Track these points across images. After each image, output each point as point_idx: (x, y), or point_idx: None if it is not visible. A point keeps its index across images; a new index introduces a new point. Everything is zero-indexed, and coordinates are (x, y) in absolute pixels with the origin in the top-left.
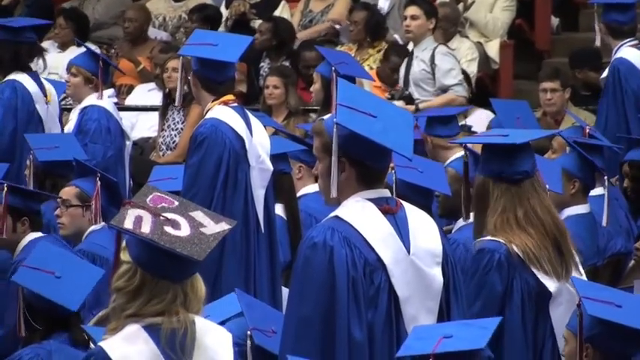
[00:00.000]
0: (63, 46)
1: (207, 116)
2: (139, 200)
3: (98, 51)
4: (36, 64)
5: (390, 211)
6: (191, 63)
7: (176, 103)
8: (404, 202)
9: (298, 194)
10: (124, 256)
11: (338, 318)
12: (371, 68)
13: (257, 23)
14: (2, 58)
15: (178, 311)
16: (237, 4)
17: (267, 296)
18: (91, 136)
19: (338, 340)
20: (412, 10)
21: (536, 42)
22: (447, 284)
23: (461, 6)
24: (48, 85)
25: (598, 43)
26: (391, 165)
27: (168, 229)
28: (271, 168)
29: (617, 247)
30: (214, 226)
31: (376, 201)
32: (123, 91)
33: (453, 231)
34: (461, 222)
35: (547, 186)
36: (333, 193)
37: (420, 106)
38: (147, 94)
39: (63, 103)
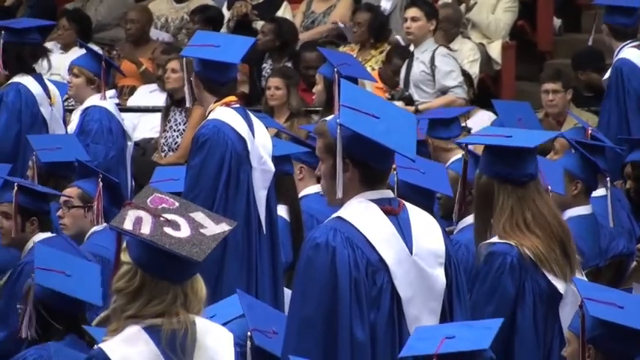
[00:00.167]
0: (65, 47)
1: (210, 117)
2: (139, 201)
3: (101, 52)
4: (40, 66)
5: (392, 211)
6: (193, 64)
7: (187, 104)
8: (406, 203)
9: (300, 195)
10: (125, 257)
11: (340, 318)
12: (373, 69)
13: (259, 24)
14: (8, 59)
15: (179, 312)
16: (239, 5)
17: (269, 297)
18: (92, 137)
19: (340, 341)
20: (413, 11)
21: (539, 43)
22: (450, 285)
23: (463, 7)
24: (52, 87)
25: (590, 42)
26: (393, 166)
27: (168, 230)
28: (273, 169)
29: (619, 248)
30: (214, 227)
31: (379, 202)
32: (125, 92)
33: (455, 232)
34: (462, 223)
35: (549, 187)
36: (339, 194)
37: (420, 107)
38: (149, 95)
39: (65, 104)
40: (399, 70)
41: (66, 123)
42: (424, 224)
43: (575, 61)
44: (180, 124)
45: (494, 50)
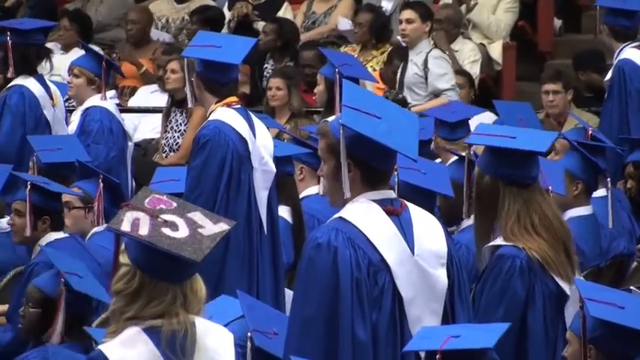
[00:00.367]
0: (66, 48)
1: (211, 118)
2: (136, 202)
3: (102, 52)
4: (42, 67)
5: (394, 212)
6: (194, 65)
7: (189, 105)
8: (408, 204)
9: (300, 195)
10: (123, 258)
11: (342, 318)
12: (374, 70)
13: (260, 25)
14: (14, 60)
15: (178, 313)
16: (239, 5)
17: (270, 298)
18: (93, 137)
19: (342, 341)
20: (407, 13)
21: (539, 43)
22: (452, 285)
23: (463, 7)
24: (53, 88)
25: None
26: (395, 166)
27: (166, 230)
28: (274, 170)
29: (619, 248)
30: (213, 227)
31: (381, 202)
32: (126, 93)
33: (455, 232)
34: (464, 223)
35: (550, 187)
36: (347, 194)
37: (412, 110)
38: (150, 95)
39: (66, 104)
40: None
41: (67, 123)
42: (426, 225)
43: (575, 62)
44: (181, 124)
45: (495, 51)
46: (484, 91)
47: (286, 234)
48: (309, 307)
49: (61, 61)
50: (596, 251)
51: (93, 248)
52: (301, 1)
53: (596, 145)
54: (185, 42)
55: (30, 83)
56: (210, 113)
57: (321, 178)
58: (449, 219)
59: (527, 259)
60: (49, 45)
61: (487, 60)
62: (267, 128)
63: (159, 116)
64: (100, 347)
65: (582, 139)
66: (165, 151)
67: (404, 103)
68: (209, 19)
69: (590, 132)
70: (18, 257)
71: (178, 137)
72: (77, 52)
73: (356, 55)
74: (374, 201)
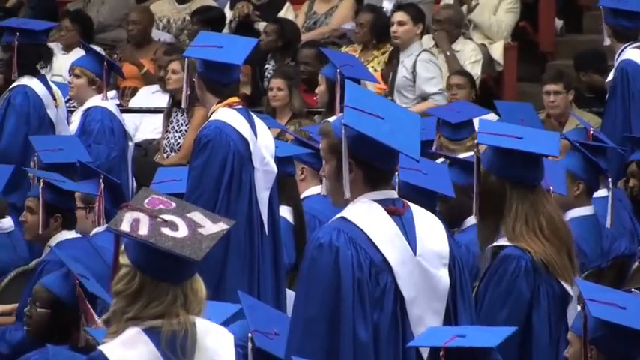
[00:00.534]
0: (68, 49)
1: (212, 118)
2: (136, 203)
3: (103, 53)
4: (42, 67)
5: (396, 212)
6: (196, 65)
7: (182, 106)
8: (411, 204)
9: (302, 196)
10: (123, 259)
11: (343, 318)
12: (375, 70)
13: (261, 25)
14: (19, 61)
15: (179, 313)
16: (240, 6)
17: (271, 298)
18: (94, 137)
19: (343, 341)
20: (399, 15)
21: (540, 44)
22: (454, 285)
23: (465, 8)
24: (55, 88)
25: (607, 42)
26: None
27: (165, 230)
28: (275, 170)
29: (621, 248)
30: (212, 226)
31: (383, 202)
32: (127, 93)
33: (456, 232)
34: (465, 223)
35: (551, 188)
36: (347, 195)
37: None
38: (151, 96)
39: (67, 105)
40: None
41: (68, 124)
42: (428, 225)
43: (577, 62)
44: (182, 125)
45: (496, 51)
46: (485, 91)
47: (287, 234)
48: (311, 307)
49: (63, 62)
50: (597, 252)
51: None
52: (302, 1)
53: (597, 146)
54: (186, 42)
55: (33, 83)
56: (211, 113)
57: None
58: (450, 221)
59: (532, 260)
60: (50, 45)
61: (488, 60)
62: (269, 128)
63: (160, 116)
64: (101, 347)
65: (583, 139)
66: (166, 151)
67: None
68: (210, 19)
69: (591, 132)
70: (19, 257)
71: (179, 137)
72: (78, 53)
73: (357, 56)
74: (376, 201)
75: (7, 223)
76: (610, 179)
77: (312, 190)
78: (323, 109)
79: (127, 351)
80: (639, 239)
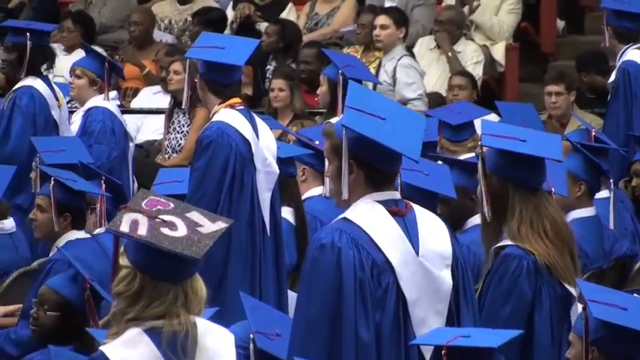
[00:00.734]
0: (69, 49)
1: (214, 119)
2: (134, 204)
3: (104, 54)
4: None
5: (399, 213)
6: (197, 66)
7: (183, 107)
8: (414, 205)
9: (303, 197)
10: (123, 260)
11: (345, 319)
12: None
13: (262, 26)
14: (34, 61)
15: (180, 313)
16: (242, 6)
17: (273, 299)
18: (95, 137)
19: (345, 342)
20: (382, 19)
21: (542, 45)
22: (457, 286)
23: (466, 9)
24: (57, 89)
25: (607, 44)
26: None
27: (165, 230)
28: (277, 171)
29: (622, 249)
30: (211, 225)
31: (385, 203)
32: (129, 94)
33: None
34: (467, 224)
35: (553, 189)
36: (345, 195)
37: None
38: (152, 97)
39: (67, 106)
40: None
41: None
42: (431, 226)
43: (578, 63)
44: (183, 125)
45: (498, 52)
46: (487, 92)
47: (289, 235)
48: (313, 308)
49: (64, 63)
50: (599, 253)
51: None
52: (305, 1)
53: (599, 147)
54: (188, 43)
55: (38, 84)
56: (213, 114)
57: (325, 180)
58: (451, 222)
59: (534, 261)
60: (52, 46)
61: (490, 61)
62: (270, 129)
63: (161, 117)
64: (102, 348)
65: (585, 140)
66: (168, 152)
67: None
68: (211, 20)
69: (593, 133)
70: (21, 258)
71: (181, 138)
72: (80, 54)
73: (358, 57)
74: (379, 202)
75: (9, 224)
76: (612, 180)
77: (313, 191)
78: (324, 110)
79: (128, 351)
80: None
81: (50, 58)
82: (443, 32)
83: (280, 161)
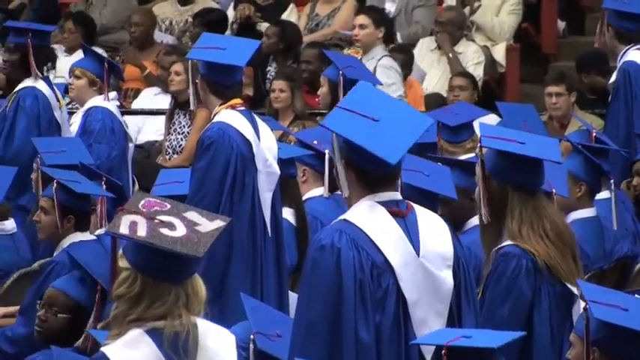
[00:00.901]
0: (70, 50)
1: (215, 120)
2: (132, 206)
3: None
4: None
5: (399, 214)
6: (199, 66)
7: (191, 107)
8: (415, 206)
9: (303, 197)
10: (122, 263)
11: (345, 320)
12: None
13: (263, 26)
14: (37, 62)
15: (181, 314)
16: (242, 7)
17: (274, 300)
18: (95, 137)
19: (345, 343)
20: (361, 19)
21: (543, 45)
22: (458, 287)
23: (467, 10)
24: (57, 90)
25: (598, 44)
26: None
27: (164, 230)
28: (278, 172)
29: (623, 250)
30: (209, 224)
31: (386, 204)
32: (129, 95)
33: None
34: (467, 224)
35: (553, 190)
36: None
37: None
38: (153, 97)
39: (68, 107)
40: None
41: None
42: (432, 226)
43: (579, 64)
44: (184, 126)
45: (499, 53)
46: (487, 93)
47: (289, 236)
48: (313, 309)
49: (65, 64)
50: (599, 253)
51: None
52: (306, 2)
53: (599, 147)
54: (189, 44)
55: (40, 85)
56: (214, 115)
57: (325, 180)
58: (451, 223)
59: (534, 260)
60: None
61: (490, 62)
62: (271, 130)
63: (162, 118)
64: (103, 349)
65: (586, 141)
66: (169, 153)
67: None
68: (212, 21)
69: (593, 134)
70: (22, 259)
71: (182, 139)
72: (81, 55)
73: (359, 58)
74: (379, 203)
75: (10, 224)
76: (612, 181)
77: (314, 192)
78: (325, 111)
79: (130, 352)
80: None
81: (51, 59)
82: (443, 33)
83: (281, 162)
